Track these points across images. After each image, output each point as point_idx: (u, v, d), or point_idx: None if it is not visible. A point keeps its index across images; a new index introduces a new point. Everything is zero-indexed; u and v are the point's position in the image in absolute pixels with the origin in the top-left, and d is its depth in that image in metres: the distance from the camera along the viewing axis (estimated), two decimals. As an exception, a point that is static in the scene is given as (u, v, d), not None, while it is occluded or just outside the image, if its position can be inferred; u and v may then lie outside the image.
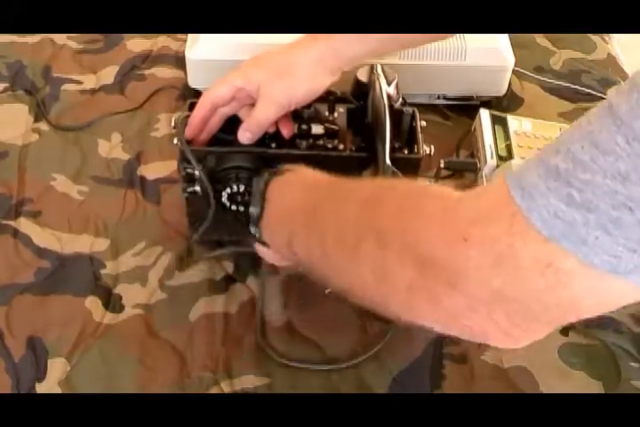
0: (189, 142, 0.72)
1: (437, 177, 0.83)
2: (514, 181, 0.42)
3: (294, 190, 0.63)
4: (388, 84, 0.76)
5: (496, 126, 0.91)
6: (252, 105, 0.72)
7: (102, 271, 0.79)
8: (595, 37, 1.17)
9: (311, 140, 0.75)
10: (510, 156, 0.87)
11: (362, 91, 0.77)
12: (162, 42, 1.12)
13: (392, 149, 0.71)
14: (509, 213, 0.41)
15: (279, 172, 0.66)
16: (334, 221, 0.54)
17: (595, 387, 0.71)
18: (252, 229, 0.66)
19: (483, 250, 0.42)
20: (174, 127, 0.75)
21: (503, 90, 1.01)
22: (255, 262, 0.80)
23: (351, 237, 0.52)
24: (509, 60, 0.97)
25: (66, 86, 1.03)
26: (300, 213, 0.59)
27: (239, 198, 0.72)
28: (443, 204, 0.47)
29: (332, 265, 0.55)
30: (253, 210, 0.65)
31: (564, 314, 0.44)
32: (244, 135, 0.72)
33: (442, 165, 0.82)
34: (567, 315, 0.44)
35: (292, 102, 0.72)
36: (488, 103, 1.00)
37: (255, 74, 0.71)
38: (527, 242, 0.40)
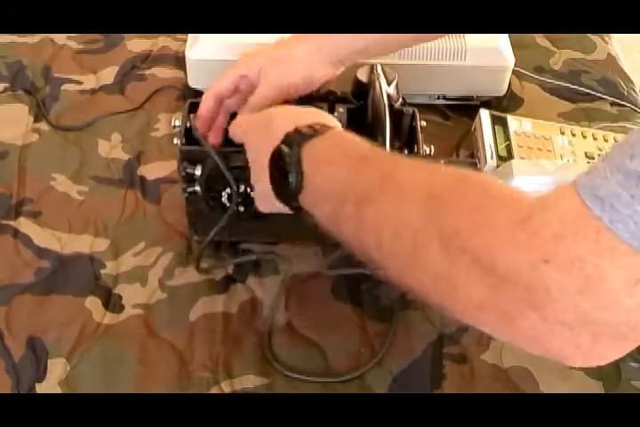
0: (197, 141, 0.73)
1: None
2: (587, 192, 0.39)
3: (337, 166, 0.55)
4: (388, 84, 0.76)
5: (496, 126, 0.91)
6: None
7: (102, 271, 0.79)
8: (595, 37, 1.17)
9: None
10: (510, 156, 0.87)
11: (362, 91, 0.77)
12: (162, 42, 1.11)
13: (392, 149, 0.71)
14: (593, 229, 0.39)
15: (310, 135, 0.58)
16: (391, 216, 0.50)
17: (595, 387, 0.71)
18: (292, 205, 0.60)
19: (568, 273, 0.39)
20: (174, 128, 0.75)
21: (503, 90, 1.01)
22: (255, 263, 0.80)
23: (411, 239, 0.47)
24: (509, 60, 0.97)
25: (66, 86, 1.03)
26: (350, 196, 0.53)
27: (239, 198, 0.72)
28: (514, 216, 0.43)
29: (389, 261, 0.51)
30: (292, 181, 0.57)
31: None
32: (218, 134, 0.73)
33: (442, 166, 0.82)
34: None
35: (290, 87, 0.72)
36: (488, 103, 1.00)
37: (255, 59, 0.73)
38: (616, 258, 0.38)
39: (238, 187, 0.71)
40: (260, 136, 0.62)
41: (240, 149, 0.72)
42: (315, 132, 0.58)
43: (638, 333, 0.42)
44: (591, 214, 0.39)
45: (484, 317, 0.45)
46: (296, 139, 0.57)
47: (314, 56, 0.72)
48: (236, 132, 0.68)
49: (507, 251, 0.42)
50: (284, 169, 0.57)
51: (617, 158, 0.39)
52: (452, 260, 0.44)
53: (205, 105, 0.74)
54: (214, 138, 0.75)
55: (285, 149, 0.57)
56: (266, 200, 0.64)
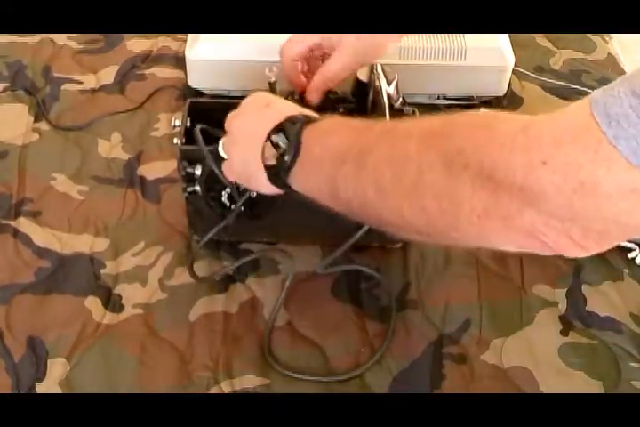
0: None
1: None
2: (600, 108, 0.42)
3: (340, 134, 0.59)
4: (388, 84, 0.76)
5: (496, 126, 0.91)
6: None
7: (102, 271, 0.79)
8: (595, 37, 1.17)
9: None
10: (510, 156, 0.87)
11: (362, 91, 0.77)
12: (162, 42, 1.12)
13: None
14: (595, 140, 0.41)
15: (313, 119, 0.61)
16: (391, 158, 0.53)
17: (595, 387, 0.71)
18: (282, 179, 0.61)
19: (565, 175, 0.42)
20: (174, 128, 0.75)
21: (503, 90, 1.01)
22: (255, 263, 0.80)
23: (413, 171, 0.50)
24: (509, 60, 0.97)
25: (66, 86, 1.03)
26: (350, 155, 0.56)
27: (239, 198, 0.72)
28: (514, 126, 0.46)
29: (388, 203, 0.54)
30: (287, 157, 0.59)
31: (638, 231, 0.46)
32: (312, 95, 0.76)
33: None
34: None
35: (365, 62, 0.76)
36: (488, 103, 1.00)
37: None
38: (612, 169, 0.41)
39: (238, 187, 0.71)
40: (258, 113, 0.64)
41: None
42: (317, 118, 0.61)
43: (626, 233, 0.46)
44: (597, 128, 0.41)
45: (488, 224, 0.48)
46: (300, 118, 0.60)
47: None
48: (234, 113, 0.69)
49: (506, 155, 0.45)
50: (282, 143, 0.60)
51: (635, 83, 0.41)
52: (456, 177, 0.47)
53: (289, 75, 0.77)
54: (313, 98, 0.77)
55: (288, 124, 0.60)
56: (241, 169, 0.65)
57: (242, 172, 0.65)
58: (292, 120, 0.60)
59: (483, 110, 0.92)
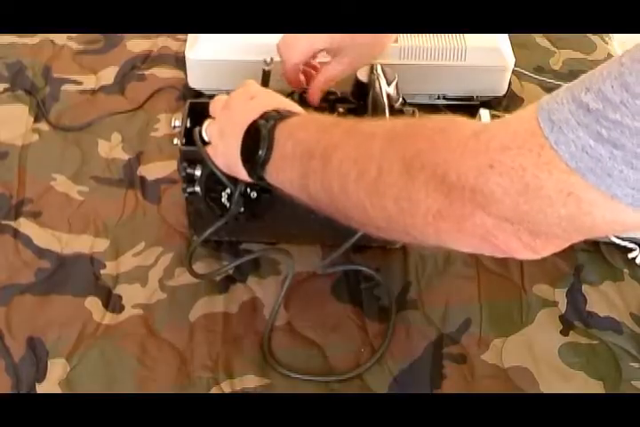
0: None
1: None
2: (545, 114, 0.44)
3: (308, 130, 0.61)
4: (388, 84, 0.76)
5: (496, 126, 0.91)
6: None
7: (102, 271, 0.79)
8: (595, 37, 1.17)
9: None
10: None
11: (362, 91, 0.77)
12: (162, 42, 1.11)
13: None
14: (538, 145, 0.43)
15: (286, 115, 0.63)
16: (356, 157, 0.54)
17: (595, 387, 0.71)
18: (257, 174, 0.64)
19: (511, 178, 0.45)
20: (174, 128, 0.75)
21: (503, 90, 1.01)
22: (255, 263, 0.80)
23: (374, 171, 0.52)
24: (509, 60, 0.97)
25: (66, 86, 1.03)
26: (317, 151, 0.58)
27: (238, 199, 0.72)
28: (469, 130, 0.49)
29: (352, 200, 0.55)
30: (261, 153, 0.61)
31: (582, 235, 0.48)
32: (315, 96, 0.79)
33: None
34: (585, 236, 0.49)
35: (359, 67, 0.79)
36: (488, 103, 1.00)
37: (335, 37, 0.77)
38: (553, 173, 0.43)
39: (237, 187, 0.71)
40: (243, 105, 0.67)
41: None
42: (290, 113, 0.63)
43: (568, 235, 0.48)
44: (541, 133, 0.43)
45: (443, 225, 0.50)
46: (273, 115, 0.63)
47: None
48: (222, 98, 0.70)
49: (457, 159, 0.47)
50: (257, 139, 0.62)
51: (576, 90, 0.43)
52: (413, 178, 0.50)
53: (290, 77, 0.80)
54: (312, 99, 0.80)
55: (262, 121, 0.62)
56: (226, 160, 0.68)
57: (226, 162, 0.68)
58: (265, 117, 0.62)
59: (482, 110, 0.93)
